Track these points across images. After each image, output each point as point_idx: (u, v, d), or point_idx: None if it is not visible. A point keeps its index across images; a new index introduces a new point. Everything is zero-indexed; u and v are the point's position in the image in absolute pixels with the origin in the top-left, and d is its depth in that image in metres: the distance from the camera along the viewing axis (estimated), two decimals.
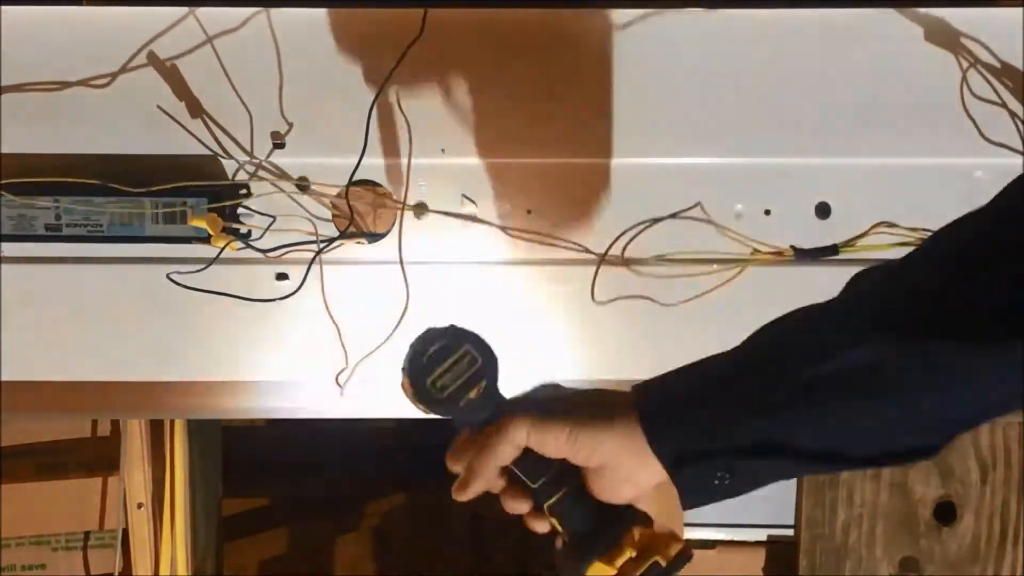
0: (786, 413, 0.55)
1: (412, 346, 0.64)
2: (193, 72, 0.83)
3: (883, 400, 0.53)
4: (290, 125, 0.84)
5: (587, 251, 0.83)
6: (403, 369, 0.65)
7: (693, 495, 0.59)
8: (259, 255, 0.83)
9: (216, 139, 0.83)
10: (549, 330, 0.86)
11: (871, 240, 0.83)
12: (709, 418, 0.57)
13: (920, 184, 0.84)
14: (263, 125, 0.84)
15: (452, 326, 0.64)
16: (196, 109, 0.83)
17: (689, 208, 0.84)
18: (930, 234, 0.56)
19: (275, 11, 0.83)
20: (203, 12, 0.82)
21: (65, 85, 0.83)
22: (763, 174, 0.85)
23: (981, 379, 0.51)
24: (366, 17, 0.83)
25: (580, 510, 0.63)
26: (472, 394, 0.63)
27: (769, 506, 1.26)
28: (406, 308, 0.83)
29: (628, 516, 0.62)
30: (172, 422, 1.25)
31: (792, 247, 0.83)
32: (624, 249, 0.84)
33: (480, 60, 0.83)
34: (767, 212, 0.85)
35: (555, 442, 0.60)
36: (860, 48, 0.84)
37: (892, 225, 0.83)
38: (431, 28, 0.79)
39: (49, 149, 0.83)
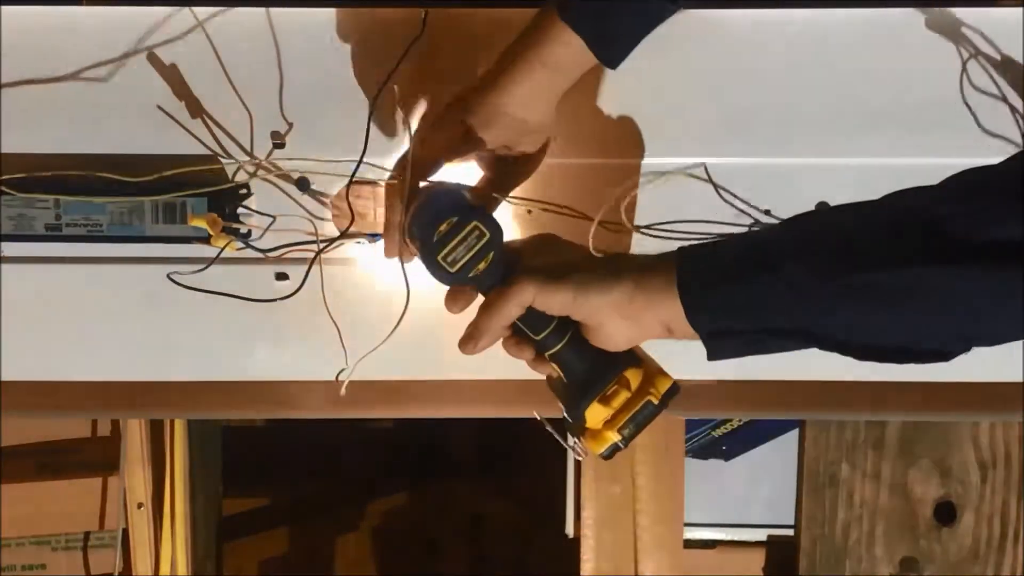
0: (827, 309, 0.59)
1: (423, 220, 0.69)
2: (193, 72, 0.83)
3: (919, 312, 0.58)
4: (290, 125, 0.84)
5: (584, 216, 0.83)
6: (412, 238, 0.70)
7: (718, 356, 0.64)
8: (259, 255, 0.83)
9: (216, 139, 0.83)
10: None
11: None
12: (750, 303, 0.61)
13: (920, 184, 0.84)
14: (263, 125, 0.84)
15: (460, 203, 0.69)
16: (196, 109, 0.83)
17: (693, 167, 0.84)
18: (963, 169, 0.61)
19: (275, 11, 0.83)
20: (203, 12, 0.82)
21: (65, 85, 0.83)
22: (763, 174, 0.85)
23: (1010, 303, 0.56)
24: (366, 17, 0.83)
25: (578, 358, 0.68)
26: (481, 265, 0.68)
27: (769, 506, 1.27)
28: (406, 308, 0.82)
29: (623, 360, 0.68)
30: (172, 422, 1.25)
31: None
32: (623, 210, 0.83)
33: (480, 60, 0.83)
34: (767, 212, 0.85)
35: (559, 303, 0.65)
36: (860, 48, 0.84)
37: None
38: (431, 28, 0.79)
39: (49, 149, 0.83)
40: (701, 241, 0.66)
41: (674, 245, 0.82)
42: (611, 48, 0.74)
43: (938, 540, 1.21)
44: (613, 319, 0.65)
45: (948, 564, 1.21)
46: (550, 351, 0.69)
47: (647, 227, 0.84)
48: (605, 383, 0.68)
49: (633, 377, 0.68)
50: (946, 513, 1.21)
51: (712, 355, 0.64)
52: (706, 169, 0.84)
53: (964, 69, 0.83)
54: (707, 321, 0.62)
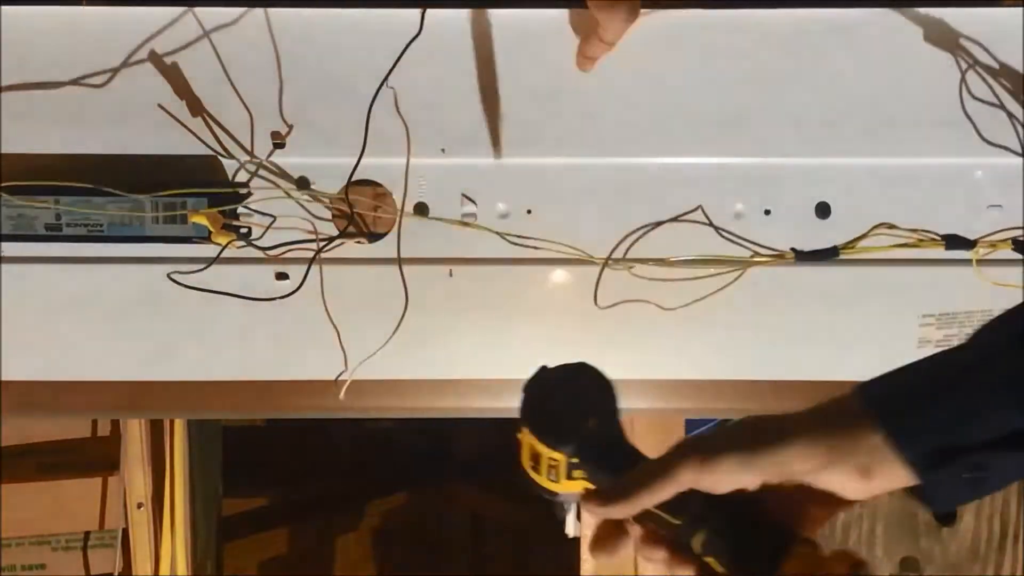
0: None
1: (527, 393, 0.60)
2: (193, 72, 0.83)
3: None
4: (290, 126, 0.84)
5: (590, 258, 0.83)
6: (522, 419, 0.60)
7: (941, 498, 0.54)
8: (259, 255, 0.83)
9: (217, 139, 0.83)
10: (548, 330, 0.86)
11: (871, 242, 0.83)
12: (958, 408, 0.52)
13: (920, 184, 0.84)
14: (263, 125, 0.84)
15: (562, 366, 0.60)
16: (196, 109, 0.83)
17: (690, 211, 0.84)
18: None
19: (275, 11, 0.83)
20: (203, 12, 0.82)
21: (65, 85, 0.83)
22: (763, 174, 0.85)
23: None
24: (366, 17, 0.83)
25: (733, 541, 0.55)
26: (591, 423, 0.59)
27: None
28: (406, 308, 0.83)
29: (786, 536, 0.55)
30: (172, 422, 1.25)
31: (792, 249, 0.83)
32: (625, 253, 0.84)
33: (480, 60, 0.83)
34: (767, 212, 0.85)
35: (728, 475, 0.54)
36: (860, 48, 0.84)
37: (892, 227, 0.83)
38: (431, 28, 0.80)
39: (49, 149, 0.83)
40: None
41: (674, 284, 0.83)
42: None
43: (938, 540, 1.21)
44: (806, 474, 0.54)
45: (948, 564, 1.21)
46: (696, 538, 0.55)
47: (656, 260, 0.84)
48: (775, 568, 0.53)
49: (806, 556, 0.54)
50: (946, 513, 1.21)
51: (933, 504, 0.54)
52: (703, 211, 0.84)
53: (962, 71, 0.83)
54: (921, 450, 0.53)
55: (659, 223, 0.84)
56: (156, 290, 0.84)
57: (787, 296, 0.86)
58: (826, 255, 0.83)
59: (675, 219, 0.83)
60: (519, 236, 0.83)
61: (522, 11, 0.83)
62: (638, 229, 0.84)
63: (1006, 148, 0.84)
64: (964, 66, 0.83)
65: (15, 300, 0.85)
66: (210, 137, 0.83)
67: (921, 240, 0.82)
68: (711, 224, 0.83)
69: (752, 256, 0.83)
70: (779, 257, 0.83)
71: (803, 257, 0.83)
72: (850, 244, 0.83)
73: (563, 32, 0.83)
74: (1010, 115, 0.83)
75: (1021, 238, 0.83)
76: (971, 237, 0.83)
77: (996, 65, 0.83)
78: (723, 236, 0.84)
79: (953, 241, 0.82)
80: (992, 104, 0.83)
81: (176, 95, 0.83)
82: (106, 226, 0.82)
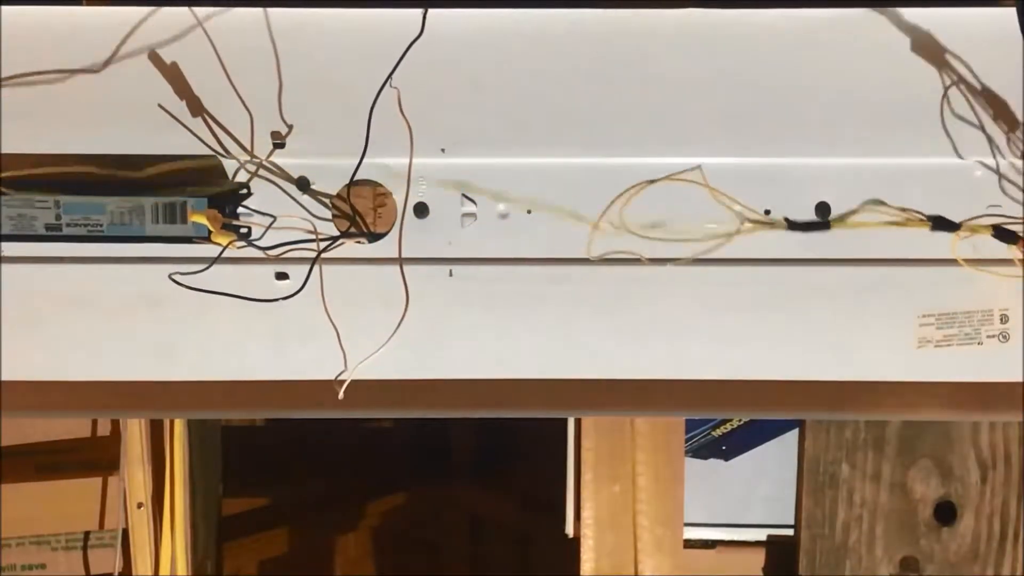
0: None
1: None
2: (193, 72, 0.83)
3: None
4: (290, 126, 0.84)
5: (579, 218, 0.83)
6: None
7: None
8: (259, 255, 0.83)
9: (217, 139, 0.83)
10: (547, 330, 0.86)
11: (862, 217, 0.84)
12: None
13: (920, 184, 0.84)
14: (263, 125, 0.84)
15: None
16: (197, 109, 0.83)
17: (689, 170, 0.84)
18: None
19: (275, 11, 0.83)
20: (203, 12, 0.82)
21: (66, 84, 0.83)
22: (763, 174, 0.85)
23: None
24: (366, 17, 0.83)
25: None
26: None
27: (769, 506, 1.27)
28: (406, 308, 0.83)
29: None
30: (172, 422, 1.25)
31: (785, 219, 0.84)
32: (620, 214, 0.84)
33: (481, 60, 0.83)
34: (767, 212, 0.85)
35: None
36: (861, 48, 0.84)
37: (881, 203, 0.83)
38: (431, 28, 0.80)
39: (49, 149, 0.83)
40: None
41: (666, 246, 0.83)
42: None
43: (938, 540, 1.21)
44: None
45: (948, 564, 1.21)
46: None
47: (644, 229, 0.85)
48: None
49: None
50: (946, 513, 1.21)
51: None
52: (701, 170, 0.84)
53: (948, 84, 0.83)
54: None
55: (653, 180, 0.84)
56: (156, 290, 0.84)
57: (786, 296, 0.86)
58: (817, 227, 0.84)
59: (670, 177, 0.83)
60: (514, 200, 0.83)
61: (522, 11, 0.83)
62: (632, 187, 0.84)
63: (1006, 148, 0.84)
64: (966, 56, 0.83)
65: (15, 300, 0.85)
66: (210, 137, 0.83)
67: (908, 219, 0.83)
68: (706, 185, 0.84)
69: (742, 222, 0.84)
70: (769, 225, 0.84)
71: (795, 227, 0.84)
72: (842, 218, 0.84)
73: (563, 32, 0.83)
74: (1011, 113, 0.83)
75: (1003, 225, 0.83)
76: None
77: (998, 65, 0.83)
78: (719, 200, 0.84)
79: (938, 222, 0.84)
80: (993, 95, 0.83)
81: (177, 95, 0.83)
82: (106, 226, 0.82)
